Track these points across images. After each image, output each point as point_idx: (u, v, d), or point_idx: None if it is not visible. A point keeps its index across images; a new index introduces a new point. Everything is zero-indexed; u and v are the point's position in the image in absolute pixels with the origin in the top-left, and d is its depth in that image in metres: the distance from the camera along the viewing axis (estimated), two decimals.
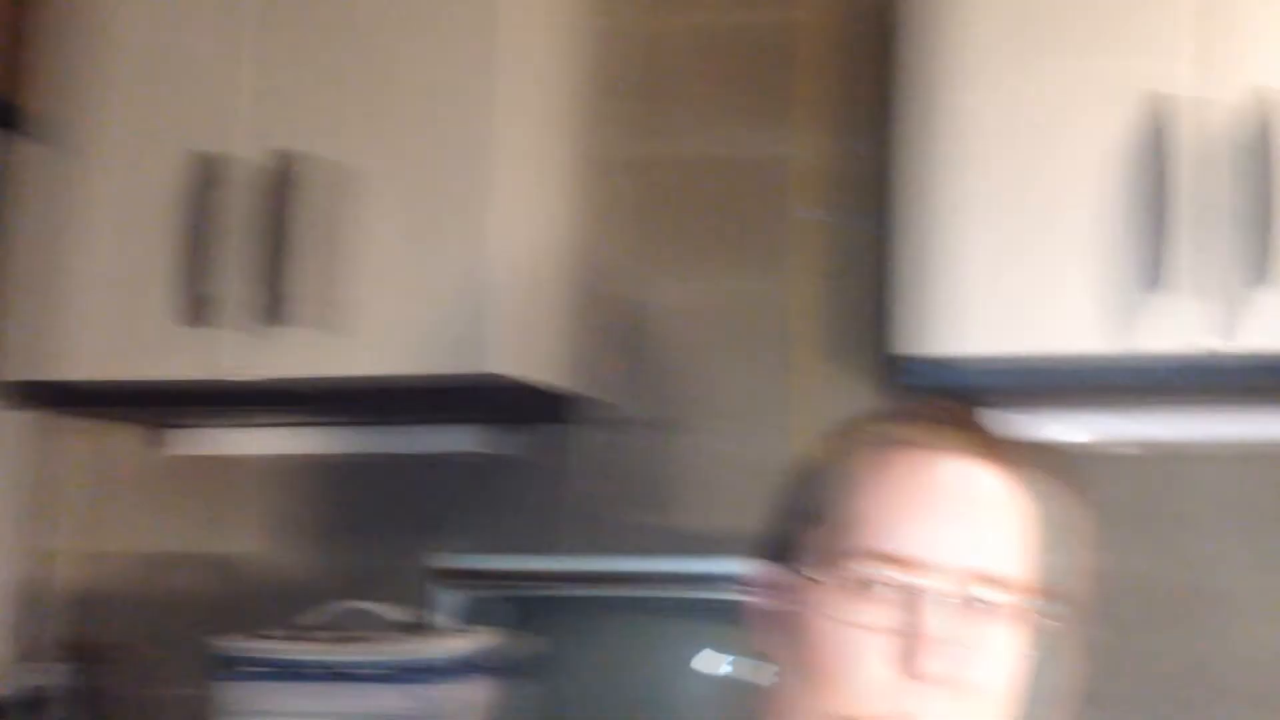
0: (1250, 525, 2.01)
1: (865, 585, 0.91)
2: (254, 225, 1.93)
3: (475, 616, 1.92)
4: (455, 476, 2.23)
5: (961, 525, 0.92)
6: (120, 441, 2.34)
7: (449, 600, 1.95)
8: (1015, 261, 1.72)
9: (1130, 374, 1.69)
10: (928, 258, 1.74)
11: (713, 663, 1.91)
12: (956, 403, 1.02)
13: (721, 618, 1.84)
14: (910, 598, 0.90)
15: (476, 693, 1.77)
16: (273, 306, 1.90)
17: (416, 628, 1.83)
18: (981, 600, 0.91)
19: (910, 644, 0.88)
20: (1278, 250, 1.63)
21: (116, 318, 1.98)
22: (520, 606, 1.95)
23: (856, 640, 0.90)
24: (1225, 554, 2.01)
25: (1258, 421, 1.94)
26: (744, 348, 2.18)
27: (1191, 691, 2.01)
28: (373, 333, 1.89)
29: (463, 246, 1.89)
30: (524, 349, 1.96)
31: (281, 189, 1.92)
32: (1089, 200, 1.71)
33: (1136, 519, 2.04)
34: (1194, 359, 1.66)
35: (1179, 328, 1.67)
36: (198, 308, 1.93)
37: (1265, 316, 1.65)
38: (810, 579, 0.93)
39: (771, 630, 0.98)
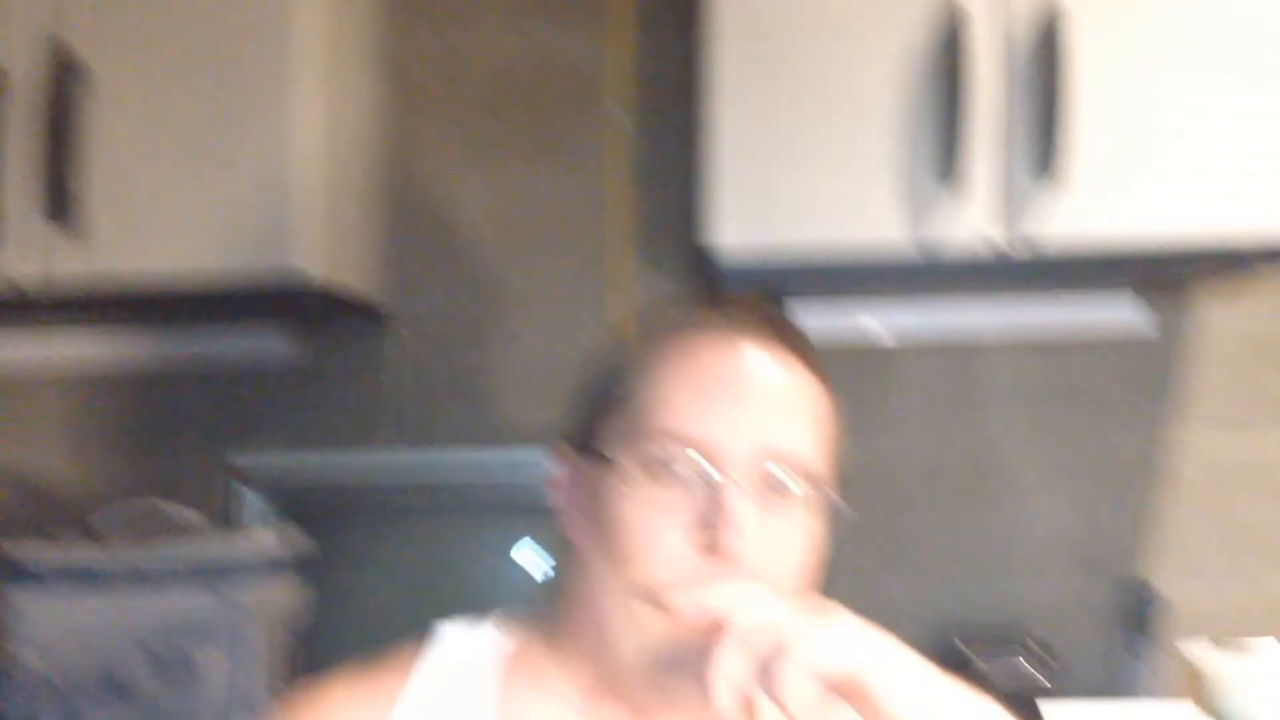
0: (1036, 410, 2.12)
1: (666, 468, 0.93)
2: (38, 126, 1.83)
3: (284, 517, 1.90)
4: (265, 380, 2.19)
5: (759, 409, 0.94)
6: None
7: (257, 502, 1.92)
8: (816, 157, 1.76)
9: (926, 266, 1.76)
10: (733, 153, 1.76)
11: (527, 552, 1.93)
12: (758, 293, 1.04)
13: (535, 509, 1.87)
14: (710, 479, 0.92)
15: (282, 591, 1.75)
16: (60, 208, 1.82)
17: (218, 528, 1.80)
18: (777, 481, 0.94)
19: (710, 524, 0.91)
20: (1063, 150, 1.70)
21: None
22: (329, 506, 1.94)
23: (657, 521, 0.92)
24: (1014, 438, 2.12)
25: (1043, 312, 2.03)
26: (557, 245, 2.18)
27: (984, 564, 2.13)
28: (170, 232, 1.82)
29: (262, 143, 1.82)
30: (329, 248, 1.92)
31: (67, 88, 1.82)
32: (888, 100, 1.75)
33: (934, 407, 2.13)
34: (985, 252, 1.73)
35: (971, 222, 1.73)
36: None
37: (1051, 212, 1.72)
38: (613, 462, 0.95)
39: (576, 514, 1.00)
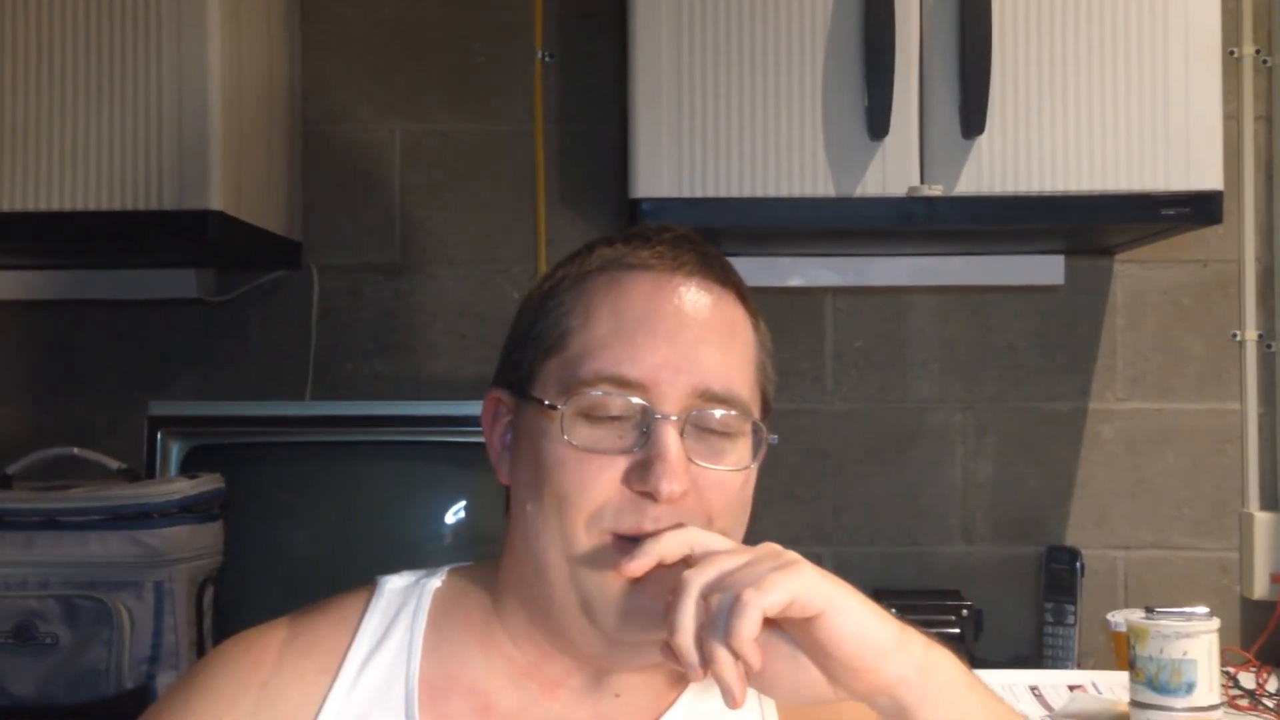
0: (960, 369, 2.14)
1: (600, 408, 0.91)
2: None
3: (199, 464, 1.86)
4: (180, 322, 2.15)
5: (692, 347, 0.93)
6: None
7: (173, 448, 1.89)
8: (749, 108, 1.76)
9: (854, 217, 1.77)
10: (666, 103, 1.75)
11: (453, 502, 1.92)
12: (686, 228, 1.02)
13: (460, 459, 1.86)
14: (644, 419, 0.91)
15: (197, 537, 1.72)
16: None
17: (134, 473, 1.77)
18: (712, 419, 0.93)
19: (645, 464, 0.90)
20: (990, 104, 1.72)
21: None
22: (246, 452, 1.91)
23: (594, 465, 0.91)
24: (937, 394, 2.14)
25: (969, 272, 2.06)
26: (486, 191, 2.15)
27: (907, 522, 2.14)
28: (77, 170, 1.78)
29: (169, 80, 1.78)
30: (246, 187, 1.88)
31: None
32: (819, 53, 1.75)
33: (860, 366, 2.14)
34: (913, 203, 1.75)
35: (900, 174, 1.75)
36: None
37: (978, 164, 1.74)
38: (546, 406, 0.93)
39: (511, 461, 0.98)
